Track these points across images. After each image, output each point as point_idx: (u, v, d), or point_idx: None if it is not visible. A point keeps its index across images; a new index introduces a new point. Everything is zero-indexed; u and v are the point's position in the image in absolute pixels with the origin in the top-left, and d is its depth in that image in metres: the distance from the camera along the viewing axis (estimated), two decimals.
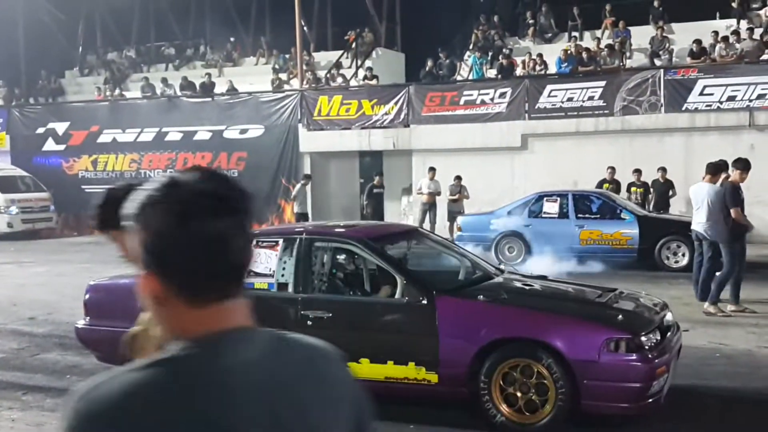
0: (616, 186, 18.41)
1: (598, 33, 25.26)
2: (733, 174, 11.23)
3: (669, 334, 6.64)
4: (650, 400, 6.10)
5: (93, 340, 7.94)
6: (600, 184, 18.32)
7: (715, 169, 11.95)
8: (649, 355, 6.08)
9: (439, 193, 20.50)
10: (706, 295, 11.80)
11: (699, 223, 11.72)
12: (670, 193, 18.14)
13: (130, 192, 1.58)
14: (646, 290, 8.99)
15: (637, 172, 18.53)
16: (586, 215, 15.89)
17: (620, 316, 6.47)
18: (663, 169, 18.28)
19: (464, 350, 6.38)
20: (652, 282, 13.45)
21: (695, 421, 6.64)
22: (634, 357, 6.03)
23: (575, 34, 25.59)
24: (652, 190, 18.45)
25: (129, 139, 26.79)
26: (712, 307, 10.96)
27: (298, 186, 21.55)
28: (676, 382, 6.74)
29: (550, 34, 26.57)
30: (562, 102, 21.19)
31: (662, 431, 6.38)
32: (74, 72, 34.64)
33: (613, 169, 18.66)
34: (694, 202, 11.88)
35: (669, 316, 6.95)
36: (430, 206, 20.53)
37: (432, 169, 20.95)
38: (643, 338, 6.15)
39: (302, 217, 20.86)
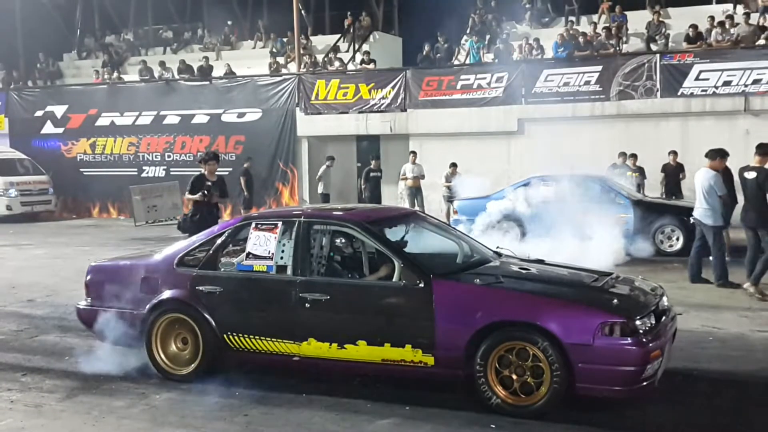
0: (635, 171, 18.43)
1: (595, 17, 25.24)
2: None
3: (664, 318, 6.70)
4: (644, 384, 6.17)
5: (94, 320, 8.07)
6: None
7: (715, 154, 11.94)
8: (644, 339, 6.14)
9: (423, 177, 20.58)
10: (697, 278, 11.93)
11: (698, 209, 11.77)
12: (681, 176, 18.11)
13: None
14: (641, 274, 9.08)
15: (633, 156, 18.60)
16: (582, 199, 15.91)
17: (615, 300, 6.52)
18: (674, 153, 18.30)
19: (460, 333, 6.44)
20: (647, 266, 13.54)
21: (688, 404, 6.71)
22: (628, 341, 6.09)
23: (572, 18, 25.59)
24: (663, 175, 18.45)
25: (127, 123, 26.81)
26: (753, 287, 10.98)
27: (323, 167, 21.78)
28: (669, 365, 6.82)
29: (546, 19, 26.56)
30: (559, 86, 21.24)
31: (655, 414, 6.45)
32: (72, 55, 34.59)
33: (630, 155, 18.67)
34: (696, 188, 11.91)
35: (664, 301, 7.01)
36: (416, 191, 20.61)
37: (413, 153, 21.04)
38: (637, 322, 6.20)
39: (325, 197, 21.10)
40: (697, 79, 19.83)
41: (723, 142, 14.98)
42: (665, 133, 19.86)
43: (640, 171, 18.54)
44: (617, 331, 6.11)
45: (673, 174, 18.24)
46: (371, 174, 21.33)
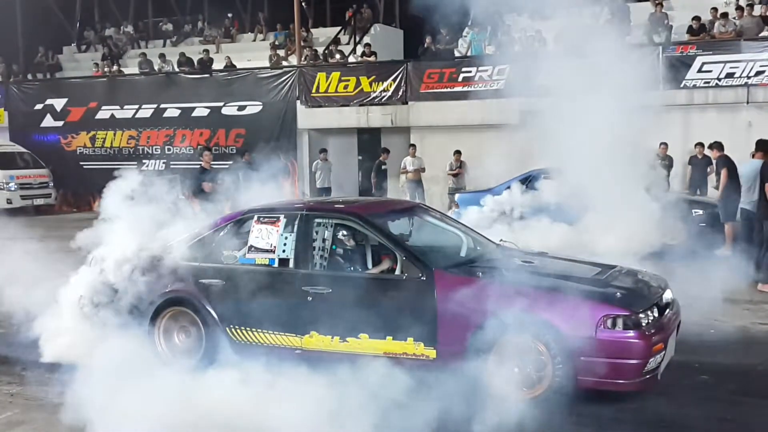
0: (668, 162, 18.23)
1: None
2: None
3: (667, 311, 6.69)
4: (647, 377, 6.17)
5: (96, 313, 8.03)
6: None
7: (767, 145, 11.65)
8: (647, 332, 6.14)
9: (423, 170, 20.53)
10: None
11: (750, 202, 11.55)
12: (709, 169, 17.81)
13: None
14: (643, 266, 9.05)
15: (664, 145, 18.47)
16: (583, 192, 15.82)
17: (618, 293, 6.51)
18: (701, 145, 17.89)
19: (462, 326, 6.43)
20: (649, 258, 13.48)
21: (689, 397, 6.70)
22: (631, 334, 6.09)
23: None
24: (690, 167, 18.20)
25: (127, 116, 26.76)
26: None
27: (316, 161, 21.73)
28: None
29: (549, 11, 26.41)
30: (561, 78, 21.09)
31: (657, 406, 6.44)
32: (72, 48, 34.45)
33: (660, 144, 18.50)
34: (744, 180, 11.70)
35: (668, 294, 7.00)
36: (417, 184, 20.54)
37: (413, 146, 20.97)
38: (640, 315, 6.20)
39: (324, 191, 20.98)
40: (699, 71, 19.75)
41: (725, 134, 14.97)
42: (667, 124, 19.77)
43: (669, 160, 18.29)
44: (620, 324, 6.11)
45: (701, 167, 17.95)
46: (382, 167, 21.27)
